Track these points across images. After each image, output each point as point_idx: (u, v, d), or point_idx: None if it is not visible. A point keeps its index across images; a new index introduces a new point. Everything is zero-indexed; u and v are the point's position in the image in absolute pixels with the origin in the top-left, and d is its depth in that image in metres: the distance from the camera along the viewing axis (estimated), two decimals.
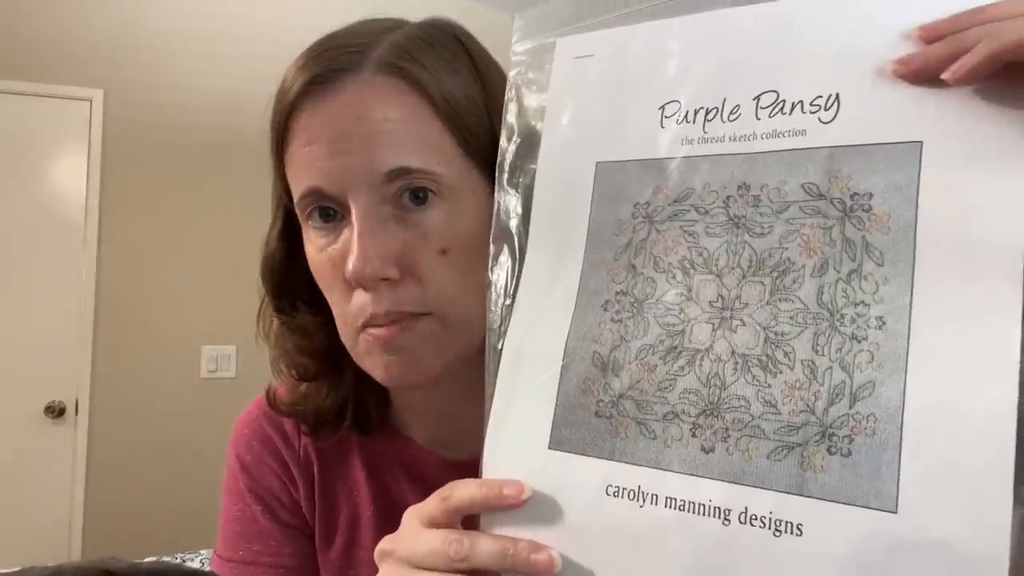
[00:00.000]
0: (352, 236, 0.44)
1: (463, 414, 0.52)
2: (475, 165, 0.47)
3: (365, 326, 0.46)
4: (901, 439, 0.29)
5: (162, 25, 2.62)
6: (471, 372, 0.48)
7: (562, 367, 0.38)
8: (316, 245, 0.48)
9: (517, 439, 0.38)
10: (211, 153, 2.66)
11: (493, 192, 0.47)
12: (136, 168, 2.57)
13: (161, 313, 2.59)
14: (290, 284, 0.54)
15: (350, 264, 0.44)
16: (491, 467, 0.39)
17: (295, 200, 0.48)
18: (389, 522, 0.56)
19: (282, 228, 0.54)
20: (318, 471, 0.58)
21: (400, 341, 0.46)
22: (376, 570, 0.56)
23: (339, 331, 0.49)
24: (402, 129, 0.44)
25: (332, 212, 0.46)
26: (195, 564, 1.79)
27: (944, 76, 0.31)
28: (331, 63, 0.45)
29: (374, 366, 0.48)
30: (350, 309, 0.47)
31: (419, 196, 0.45)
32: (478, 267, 0.45)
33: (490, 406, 0.40)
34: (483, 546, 0.35)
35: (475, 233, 0.46)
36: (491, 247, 0.43)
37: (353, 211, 0.45)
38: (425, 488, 0.55)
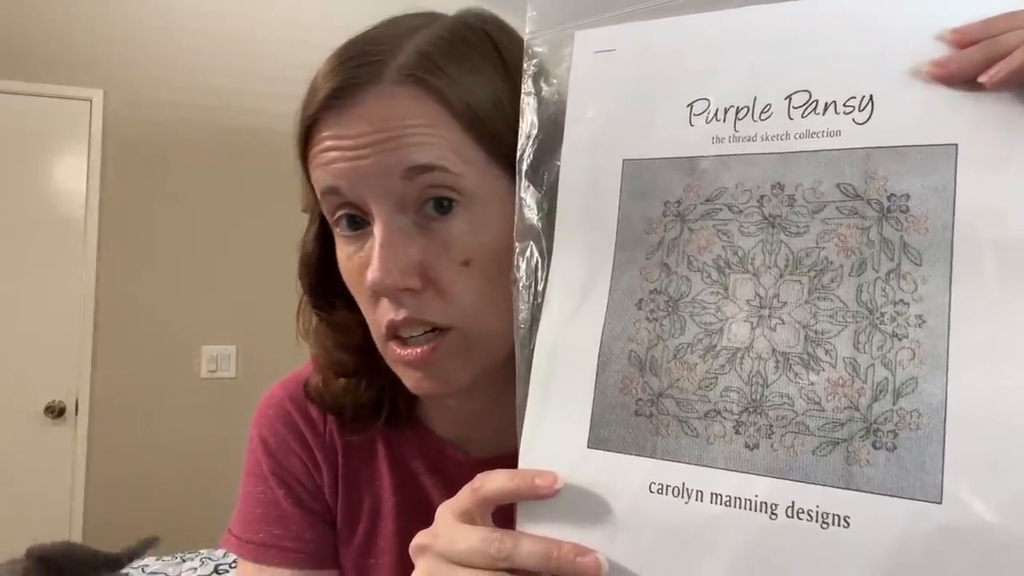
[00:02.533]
0: (374, 246, 0.45)
1: (491, 416, 0.53)
2: (502, 171, 0.46)
3: (391, 335, 0.47)
4: (945, 433, 0.30)
5: (162, 25, 2.62)
6: (500, 376, 0.48)
7: (598, 366, 0.38)
8: (344, 252, 0.48)
9: (555, 439, 0.38)
10: (211, 153, 2.66)
11: None
12: (136, 168, 2.57)
13: (161, 313, 2.58)
14: (328, 283, 0.54)
15: (369, 275, 0.44)
16: (529, 467, 0.39)
17: (319, 200, 0.48)
18: (411, 513, 0.56)
19: (318, 229, 0.54)
20: (342, 458, 0.58)
21: (427, 360, 0.46)
22: (397, 559, 0.56)
23: (372, 335, 0.50)
24: (421, 131, 0.44)
25: (359, 220, 0.47)
26: (195, 564, 1.79)
27: (981, 80, 0.32)
28: (351, 76, 0.45)
29: (404, 378, 0.48)
30: (376, 317, 0.47)
31: (443, 205, 0.45)
32: (503, 278, 0.44)
33: (523, 406, 0.40)
34: (526, 546, 0.35)
35: (501, 242, 0.45)
36: (516, 244, 0.42)
37: (375, 220, 0.45)
38: (447, 483, 0.56)
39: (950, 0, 0.34)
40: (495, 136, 0.46)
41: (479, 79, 0.46)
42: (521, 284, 0.42)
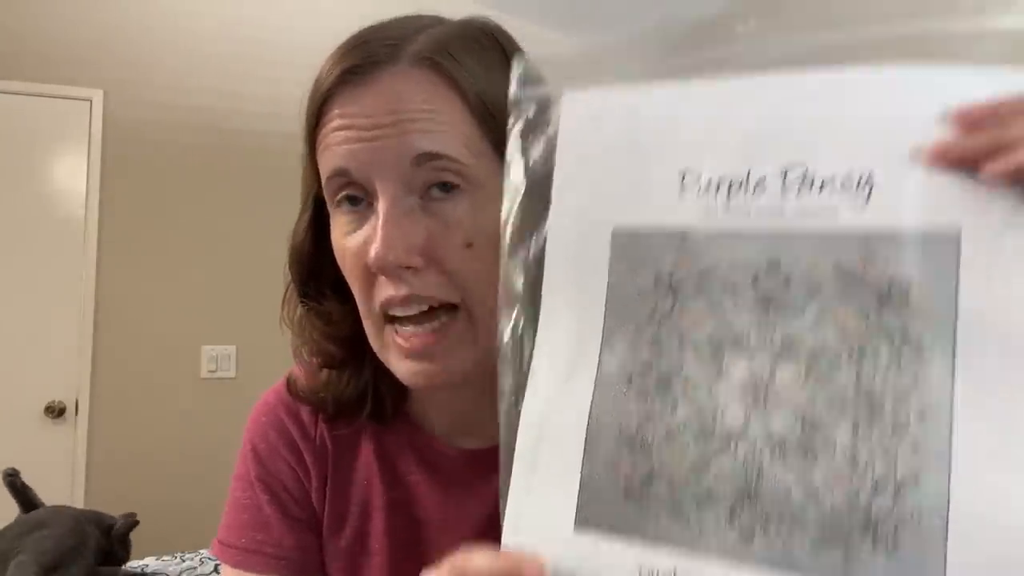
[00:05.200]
0: (376, 224, 0.45)
1: (481, 408, 0.53)
2: (501, 160, 0.47)
3: (387, 317, 0.47)
4: (947, 533, 0.29)
5: (162, 25, 2.62)
6: (490, 368, 0.48)
7: (586, 443, 0.36)
8: (342, 231, 0.48)
9: (540, 520, 0.37)
10: (211, 153, 2.66)
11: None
12: (136, 168, 2.57)
13: (161, 313, 2.58)
14: (317, 272, 0.54)
15: (372, 251, 0.44)
16: (514, 548, 0.37)
17: (323, 183, 0.49)
18: (401, 511, 0.57)
19: (311, 218, 0.54)
20: (332, 458, 0.58)
21: (432, 348, 0.46)
22: (387, 558, 0.57)
23: (363, 320, 0.50)
24: (434, 118, 0.45)
25: (359, 199, 0.47)
26: (194, 563, 1.79)
27: (984, 173, 0.30)
28: (368, 55, 0.46)
29: (398, 367, 0.48)
30: (372, 296, 0.47)
31: (446, 187, 0.45)
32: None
33: (507, 480, 0.38)
34: None
35: (498, 228, 0.46)
36: (500, 310, 0.41)
37: (380, 198, 0.45)
38: (438, 477, 0.57)
39: (957, 75, 0.32)
40: (501, 130, 0.46)
41: (490, 74, 0.47)
42: (507, 353, 0.40)
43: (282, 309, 0.57)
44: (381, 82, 0.45)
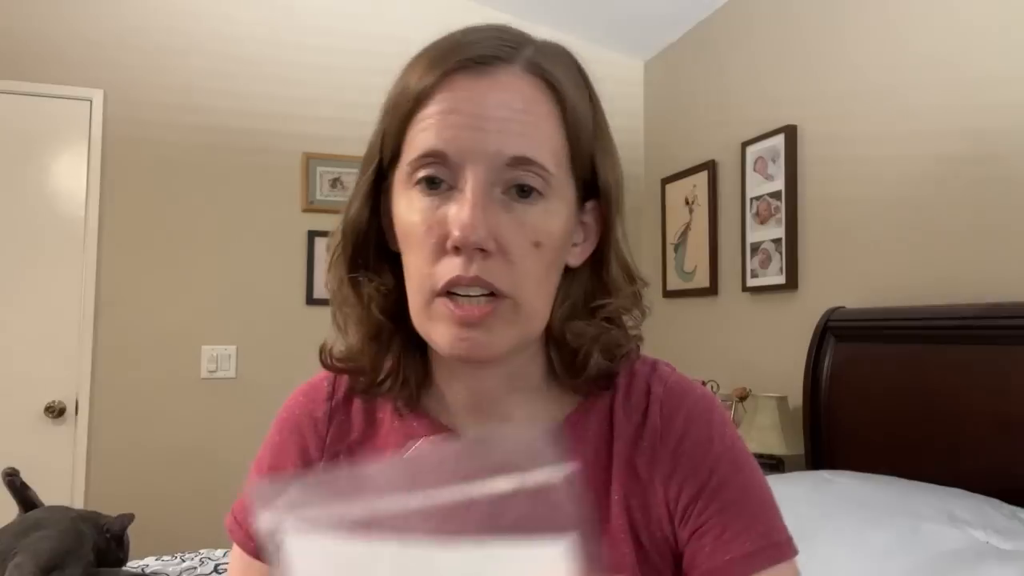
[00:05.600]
0: (460, 205, 0.48)
1: (501, 400, 0.57)
2: (572, 176, 0.53)
3: (446, 290, 0.49)
4: None
5: (162, 25, 2.62)
6: (517, 358, 0.55)
7: None
8: (415, 207, 0.51)
9: None
10: (211, 153, 2.66)
11: (578, 202, 0.54)
12: (136, 168, 2.57)
13: (161, 313, 2.59)
14: (366, 247, 0.57)
15: (456, 230, 0.47)
16: None
17: (410, 159, 0.51)
18: None
19: (368, 193, 0.56)
20: (345, 454, 0.61)
21: (483, 319, 0.49)
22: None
23: (413, 292, 0.52)
24: (535, 124, 0.50)
25: (440, 181, 0.50)
26: (195, 563, 1.79)
27: None
28: (490, 49, 0.50)
29: (442, 335, 0.50)
30: (435, 271, 0.50)
31: (527, 190, 0.50)
32: (556, 267, 0.53)
33: None
34: None
35: (562, 235, 0.52)
36: None
37: (469, 182, 0.49)
38: None
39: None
40: (580, 146, 0.53)
41: (578, 93, 0.53)
42: None
43: (327, 280, 0.59)
44: (496, 78, 0.50)
